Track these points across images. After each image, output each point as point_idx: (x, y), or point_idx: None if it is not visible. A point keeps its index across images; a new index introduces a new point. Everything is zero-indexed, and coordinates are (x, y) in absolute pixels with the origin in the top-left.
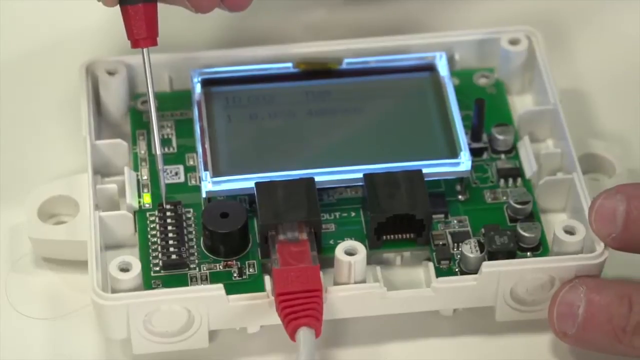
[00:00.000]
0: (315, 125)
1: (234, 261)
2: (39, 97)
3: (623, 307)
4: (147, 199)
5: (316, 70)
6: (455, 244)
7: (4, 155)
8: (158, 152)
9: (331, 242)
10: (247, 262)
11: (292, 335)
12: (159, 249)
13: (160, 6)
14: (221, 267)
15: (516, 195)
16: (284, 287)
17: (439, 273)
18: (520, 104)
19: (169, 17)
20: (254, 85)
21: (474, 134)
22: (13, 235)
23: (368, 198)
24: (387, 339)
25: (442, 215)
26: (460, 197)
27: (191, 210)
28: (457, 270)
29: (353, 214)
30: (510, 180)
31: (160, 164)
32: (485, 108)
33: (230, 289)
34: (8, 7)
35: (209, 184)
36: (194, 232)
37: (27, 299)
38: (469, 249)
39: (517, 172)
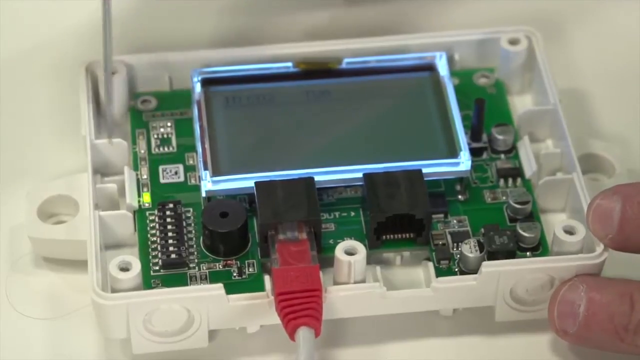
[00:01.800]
0: (315, 125)
1: (234, 261)
2: (39, 96)
3: (624, 306)
4: (146, 198)
5: (316, 70)
6: (455, 244)
7: (4, 155)
8: (107, 74)
9: (331, 241)
10: (246, 262)
11: (292, 335)
12: (159, 248)
13: (160, 6)
14: (221, 267)
15: (516, 195)
16: (283, 286)
17: (439, 273)
18: (520, 104)
19: (169, 17)
20: (254, 84)
21: (474, 134)
22: (13, 235)
23: (368, 198)
24: (387, 339)
25: (442, 215)
26: (460, 197)
27: (191, 209)
28: (456, 270)
29: (353, 213)
30: (510, 180)
31: (107, 86)
32: (485, 108)
33: (230, 289)
34: (8, 7)
35: (208, 184)
36: (193, 232)
37: (27, 299)
38: (469, 249)
39: (516, 172)
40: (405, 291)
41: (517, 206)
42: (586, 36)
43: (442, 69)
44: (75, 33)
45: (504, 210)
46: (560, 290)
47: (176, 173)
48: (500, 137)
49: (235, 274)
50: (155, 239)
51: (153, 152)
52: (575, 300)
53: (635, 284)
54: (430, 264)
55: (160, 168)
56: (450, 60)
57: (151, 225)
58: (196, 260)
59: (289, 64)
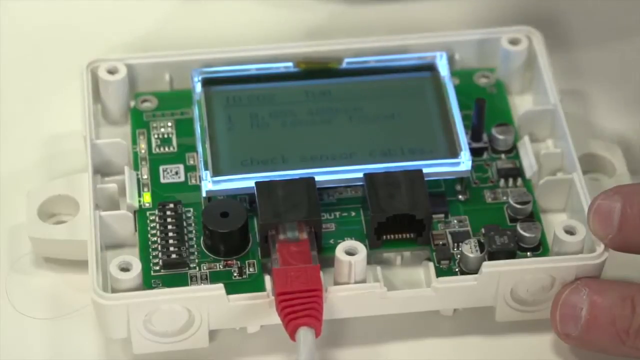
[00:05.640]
0: (315, 125)
1: (234, 261)
2: (39, 96)
3: (626, 309)
4: (147, 198)
5: (316, 70)
6: (456, 244)
7: (4, 154)
8: None
9: (331, 241)
10: (247, 262)
11: (292, 335)
12: (159, 248)
13: (160, 6)
14: (221, 267)
15: (516, 195)
16: (284, 286)
17: (439, 273)
18: (521, 104)
19: (169, 17)
20: (254, 84)
21: (474, 134)
22: (13, 235)
23: (368, 198)
24: (387, 339)
25: (442, 215)
26: (460, 197)
27: (191, 209)
28: (457, 270)
29: (353, 213)
30: (511, 180)
31: None
32: (486, 108)
33: (230, 289)
34: (8, 7)
35: (209, 184)
36: (194, 232)
37: (27, 299)
38: (469, 249)
39: (517, 172)
40: (406, 291)
41: (518, 206)
42: (586, 36)
43: (443, 69)
44: (76, 34)
45: (504, 210)
46: (563, 293)
47: (177, 173)
48: (500, 137)
49: (235, 274)
50: (155, 239)
51: (153, 152)
52: (577, 303)
53: (636, 287)
54: (431, 264)
55: (161, 168)
56: (451, 60)
57: (152, 225)
58: (197, 261)
59: (289, 64)
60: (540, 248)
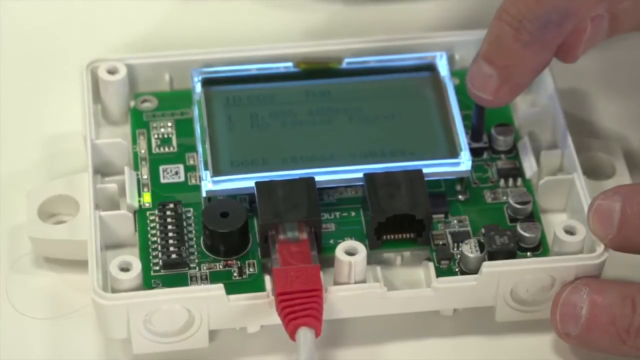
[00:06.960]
0: (315, 125)
1: (234, 261)
2: (39, 96)
3: (626, 308)
4: (147, 198)
5: (316, 70)
6: (456, 244)
7: (4, 154)
8: None
9: (331, 241)
10: (247, 262)
11: (292, 335)
12: (159, 248)
13: (160, 6)
14: (221, 267)
15: (516, 195)
16: (284, 286)
17: (439, 273)
18: (521, 104)
19: (169, 17)
20: (254, 84)
21: (474, 134)
22: (13, 235)
23: (368, 198)
24: (387, 339)
25: (442, 215)
26: (460, 197)
27: (191, 209)
28: (457, 270)
29: (353, 213)
30: (511, 180)
31: None
32: (486, 108)
33: (230, 289)
34: (8, 7)
35: (209, 184)
36: (194, 232)
37: (27, 299)
38: (469, 249)
39: (517, 172)
40: (406, 291)
41: (518, 206)
42: None
43: (443, 69)
44: (76, 34)
45: (504, 210)
46: (563, 293)
47: (176, 173)
48: (500, 137)
49: (235, 274)
50: (155, 239)
51: (153, 152)
52: (577, 302)
53: (637, 287)
54: (431, 264)
55: (161, 168)
56: (451, 60)
57: (151, 226)
58: (196, 261)
59: (289, 64)
60: (540, 248)
